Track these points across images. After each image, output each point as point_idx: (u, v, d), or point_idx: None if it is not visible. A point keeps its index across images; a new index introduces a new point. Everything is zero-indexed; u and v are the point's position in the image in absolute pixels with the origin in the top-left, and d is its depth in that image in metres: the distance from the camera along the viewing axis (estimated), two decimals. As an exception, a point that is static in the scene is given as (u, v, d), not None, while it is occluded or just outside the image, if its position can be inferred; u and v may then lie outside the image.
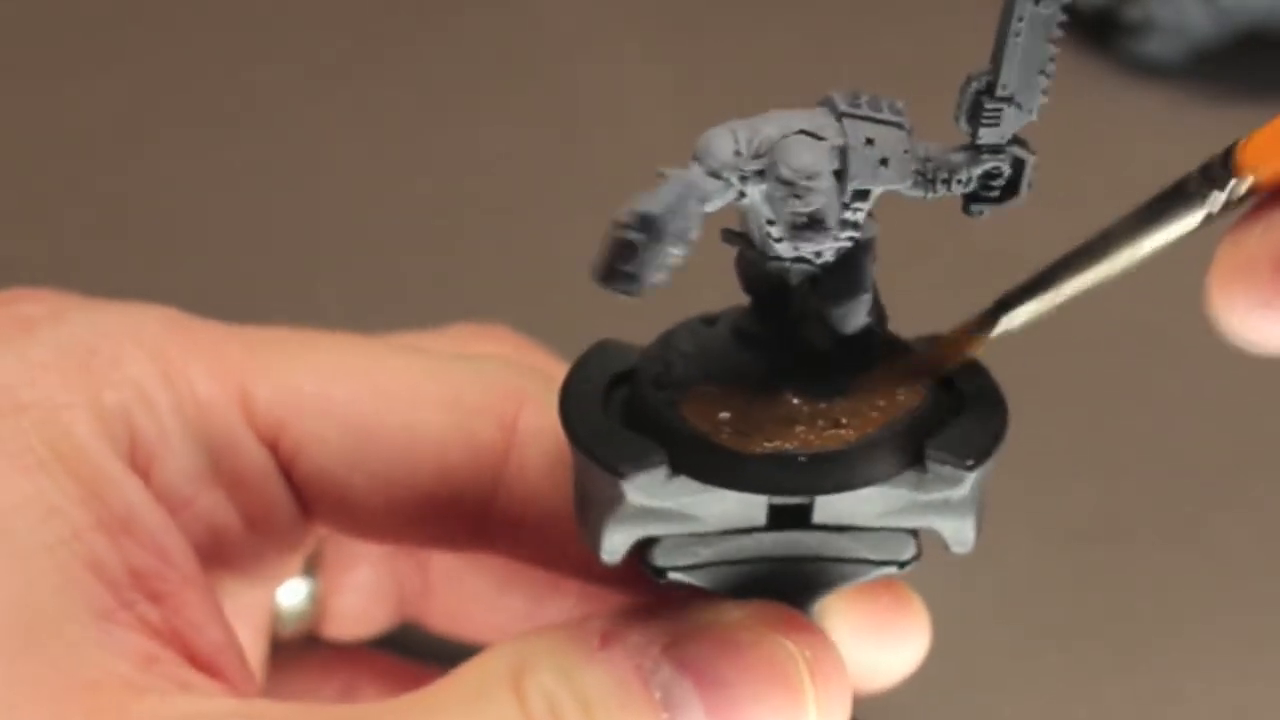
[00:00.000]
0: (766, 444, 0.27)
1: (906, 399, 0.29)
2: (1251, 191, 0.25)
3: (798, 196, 0.26)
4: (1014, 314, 0.28)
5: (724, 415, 0.28)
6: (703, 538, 0.29)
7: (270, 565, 0.34)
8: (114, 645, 0.28)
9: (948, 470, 0.28)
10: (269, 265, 0.54)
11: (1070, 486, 0.47)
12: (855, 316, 0.28)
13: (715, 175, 0.26)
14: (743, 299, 0.29)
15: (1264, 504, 0.47)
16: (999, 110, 0.28)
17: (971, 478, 0.28)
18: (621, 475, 0.27)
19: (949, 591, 0.44)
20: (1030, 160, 0.28)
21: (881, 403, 0.28)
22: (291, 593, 0.38)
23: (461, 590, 0.38)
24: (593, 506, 0.29)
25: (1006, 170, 0.28)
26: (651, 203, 0.25)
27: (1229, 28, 0.62)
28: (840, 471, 0.28)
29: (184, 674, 0.29)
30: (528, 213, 0.56)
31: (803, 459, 0.27)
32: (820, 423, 0.28)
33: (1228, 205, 0.26)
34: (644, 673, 0.28)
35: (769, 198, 0.26)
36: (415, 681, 0.38)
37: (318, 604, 0.38)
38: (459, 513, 0.34)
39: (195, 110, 0.60)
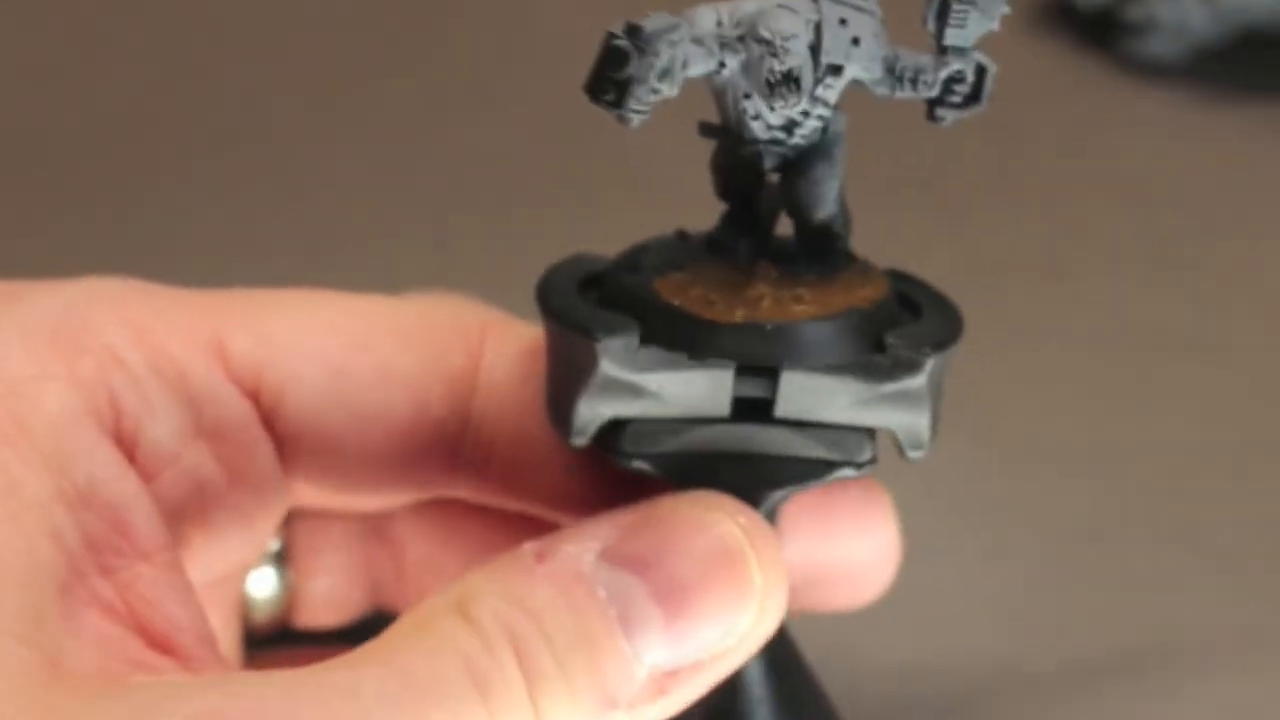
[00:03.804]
0: (736, 316, 0.29)
1: (869, 292, 0.30)
2: None
3: (774, 55, 0.28)
4: None
5: (695, 292, 0.29)
6: (669, 425, 0.30)
7: (251, 522, 0.34)
8: (74, 621, 0.28)
9: (906, 355, 0.29)
10: (267, 266, 0.54)
11: (1070, 486, 0.47)
12: (826, 201, 0.30)
13: (698, 43, 0.28)
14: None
15: (1264, 504, 0.47)
16: (965, 12, 0.29)
17: (929, 364, 0.29)
18: (596, 339, 0.29)
19: (949, 592, 0.44)
20: (992, 69, 0.29)
21: (844, 293, 0.30)
22: (262, 581, 0.38)
23: (433, 574, 0.38)
24: (565, 386, 0.30)
25: (970, 76, 0.30)
26: (644, 21, 0.27)
27: (1229, 28, 0.62)
28: (805, 343, 0.29)
29: (137, 651, 0.29)
30: (526, 211, 0.56)
31: (770, 327, 0.29)
32: (787, 302, 0.30)
33: None
34: (584, 578, 0.29)
35: (747, 64, 0.28)
36: None
37: (289, 592, 0.38)
38: (432, 448, 0.34)
39: (193, 108, 0.60)
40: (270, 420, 0.33)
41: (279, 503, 0.35)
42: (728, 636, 0.30)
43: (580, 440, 0.30)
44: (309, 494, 0.35)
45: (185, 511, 0.32)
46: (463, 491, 0.35)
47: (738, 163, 0.30)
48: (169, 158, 0.58)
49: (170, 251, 0.53)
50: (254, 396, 0.33)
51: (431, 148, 0.59)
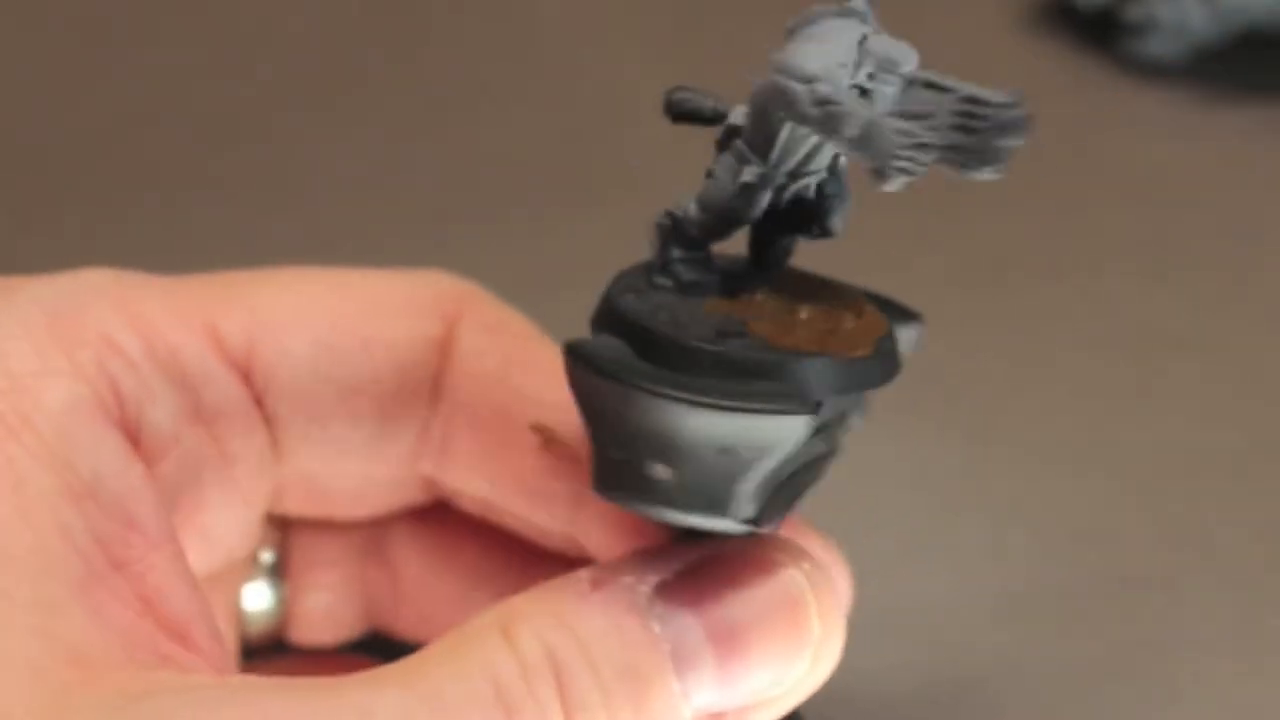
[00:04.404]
0: (863, 349, 0.29)
1: (847, 293, 0.30)
2: None
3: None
4: None
5: (804, 334, 0.29)
6: (775, 469, 0.29)
7: (244, 503, 0.34)
8: (96, 614, 0.28)
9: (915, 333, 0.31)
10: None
11: (1070, 486, 0.47)
12: (848, 218, 0.30)
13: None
14: None
15: (1264, 504, 0.47)
16: None
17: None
18: (813, 410, 0.27)
19: (949, 591, 0.44)
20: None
21: (851, 299, 0.30)
22: (257, 595, 0.38)
23: (430, 595, 0.38)
24: (719, 470, 0.28)
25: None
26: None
27: (1229, 28, 0.62)
28: (898, 355, 0.30)
29: (160, 644, 0.28)
30: (527, 213, 0.56)
31: (891, 346, 0.29)
32: (852, 319, 0.29)
33: None
34: (639, 610, 0.28)
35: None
36: None
37: (284, 606, 0.38)
38: (409, 419, 0.34)
39: (191, 109, 0.60)
40: (261, 398, 0.34)
41: (270, 482, 0.35)
42: (780, 683, 0.29)
43: (747, 525, 0.28)
44: (294, 473, 0.35)
45: (183, 495, 0.32)
46: (429, 466, 0.35)
47: (753, 200, 0.29)
48: (168, 158, 0.58)
49: (170, 251, 0.53)
50: (246, 376, 0.33)
51: (431, 148, 0.59)
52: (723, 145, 0.29)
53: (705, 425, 0.27)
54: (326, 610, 0.38)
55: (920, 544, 0.45)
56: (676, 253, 0.30)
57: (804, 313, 0.29)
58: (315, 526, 0.38)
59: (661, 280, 0.30)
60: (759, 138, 0.28)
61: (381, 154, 0.58)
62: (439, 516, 0.37)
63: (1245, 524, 0.46)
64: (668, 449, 0.28)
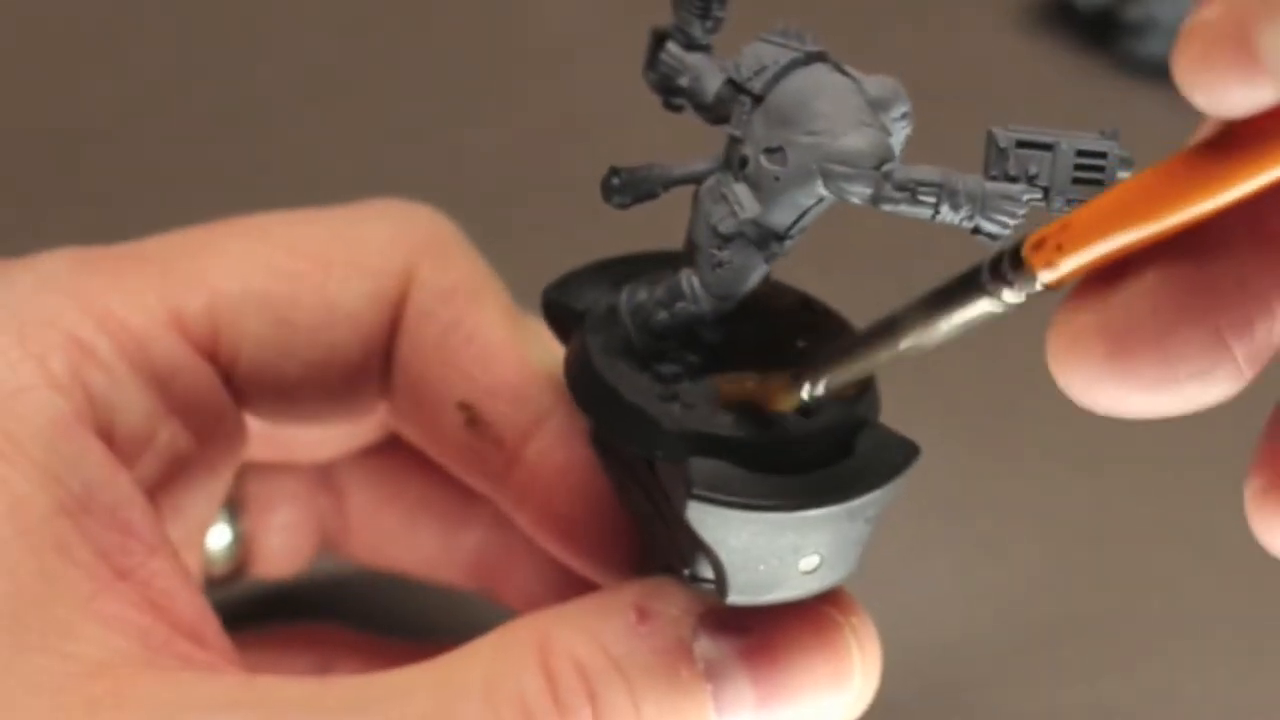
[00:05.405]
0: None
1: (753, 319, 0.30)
2: (1057, 284, 0.25)
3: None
4: (815, 383, 0.28)
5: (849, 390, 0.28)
6: None
7: (216, 477, 0.34)
8: (107, 625, 0.28)
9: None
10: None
11: (1070, 486, 0.47)
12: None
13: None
14: None
15: (1264, 504, 0.47)
16: None
17: None
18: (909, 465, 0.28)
19: (949, 591, 0.44)
20: None
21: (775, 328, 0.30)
22: (218, 536, 0.39)
23: (377, 525, 0.39)
24: (852, 543, 0.28)
25: None
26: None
27: (1229, 28, 0.62)
28: None
29: (178, 644, 0.28)
30: (526, 214, 0.56)
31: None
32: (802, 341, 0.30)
33: (1034, 293, 0.25)
34: (685, 645, 0.28)
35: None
36: (389, 656, 0.39)
37: (244, 545, 0.39)
38: (371, 376, 0.34)
39: (191, 110, 0.60)
40: (228, 375, 0.33)
41: (240, 451, 0.35)
42: None
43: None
44: (261, 434, 0.36)
45: (162, 487, 0.32)
46: (384, 413, 0.35)
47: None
48: (167, 158, 0.58)
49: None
50: (212, 358, 0.33)
51: (432, 148, 0.59)
52: (732, 236, 0.28)
53: (865, 505, 0.27)
54: (284, 544, 0.39)
55: (920, 544, 0.45)
56: (672, 341, 0.29)
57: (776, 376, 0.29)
58: (271, 466, 0.38)
59: (670, 369, 0.29)
60: (784, 218, 0.28)
61: (381, 154, 0.58)
62: (388, 448, 0.38)
63: (1245, 524, 0.46)
64: (826, 540, 0.28)
